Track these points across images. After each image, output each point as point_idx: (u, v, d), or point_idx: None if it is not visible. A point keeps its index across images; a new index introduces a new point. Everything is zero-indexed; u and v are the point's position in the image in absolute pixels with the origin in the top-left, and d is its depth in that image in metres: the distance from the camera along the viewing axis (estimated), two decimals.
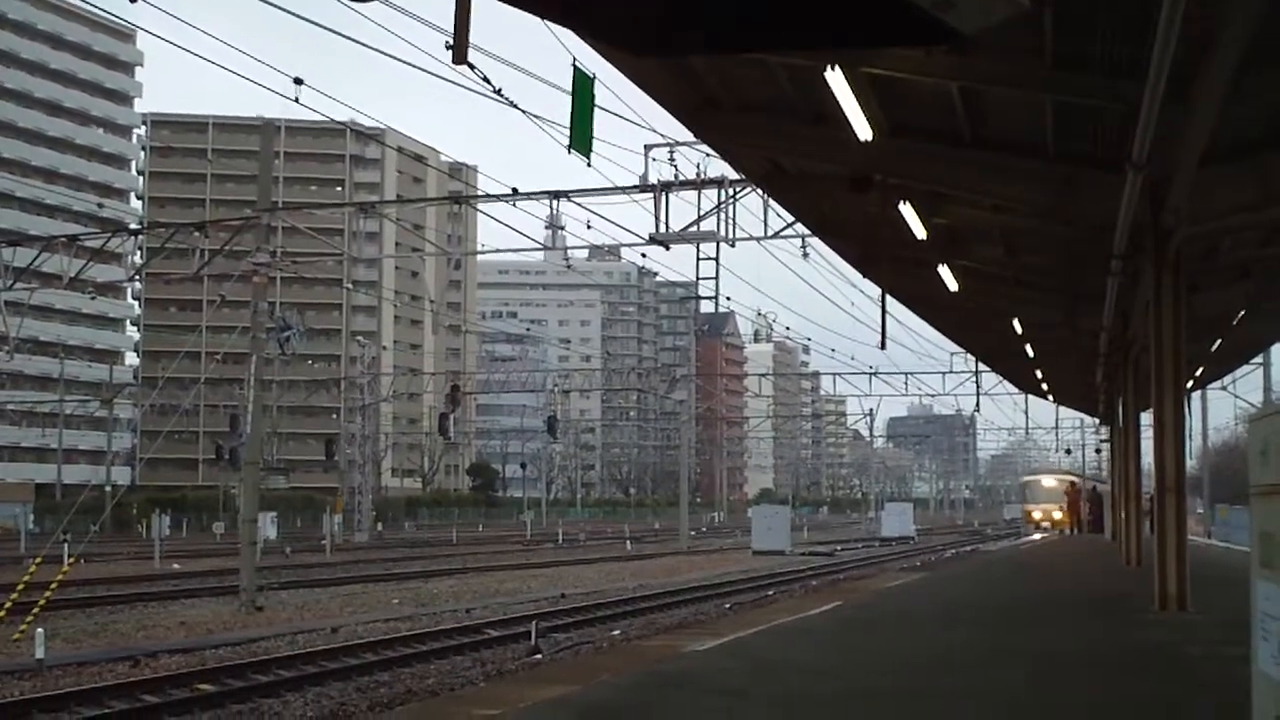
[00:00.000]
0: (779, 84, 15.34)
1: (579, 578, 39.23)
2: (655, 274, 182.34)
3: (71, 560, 30.28)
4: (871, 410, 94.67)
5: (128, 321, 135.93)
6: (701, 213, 28.02)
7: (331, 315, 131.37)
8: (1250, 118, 13.60)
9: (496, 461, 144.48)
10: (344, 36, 20.28)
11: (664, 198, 28.07)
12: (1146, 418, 25.10)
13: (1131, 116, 11.77)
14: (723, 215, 27.93)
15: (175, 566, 43.50)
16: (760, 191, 26.18)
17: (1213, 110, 11.62)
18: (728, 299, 70.82)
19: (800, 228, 27.54)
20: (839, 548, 61.58)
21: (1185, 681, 11.24)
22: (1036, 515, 77.06)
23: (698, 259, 30.29)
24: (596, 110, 20.70)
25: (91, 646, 21.78)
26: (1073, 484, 69.40)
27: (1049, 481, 79.57)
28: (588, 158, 21.19)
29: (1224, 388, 53.80)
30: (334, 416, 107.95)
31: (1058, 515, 70.76)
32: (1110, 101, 13.41)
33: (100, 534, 44.55)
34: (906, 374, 68.27)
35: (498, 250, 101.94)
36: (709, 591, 33.44)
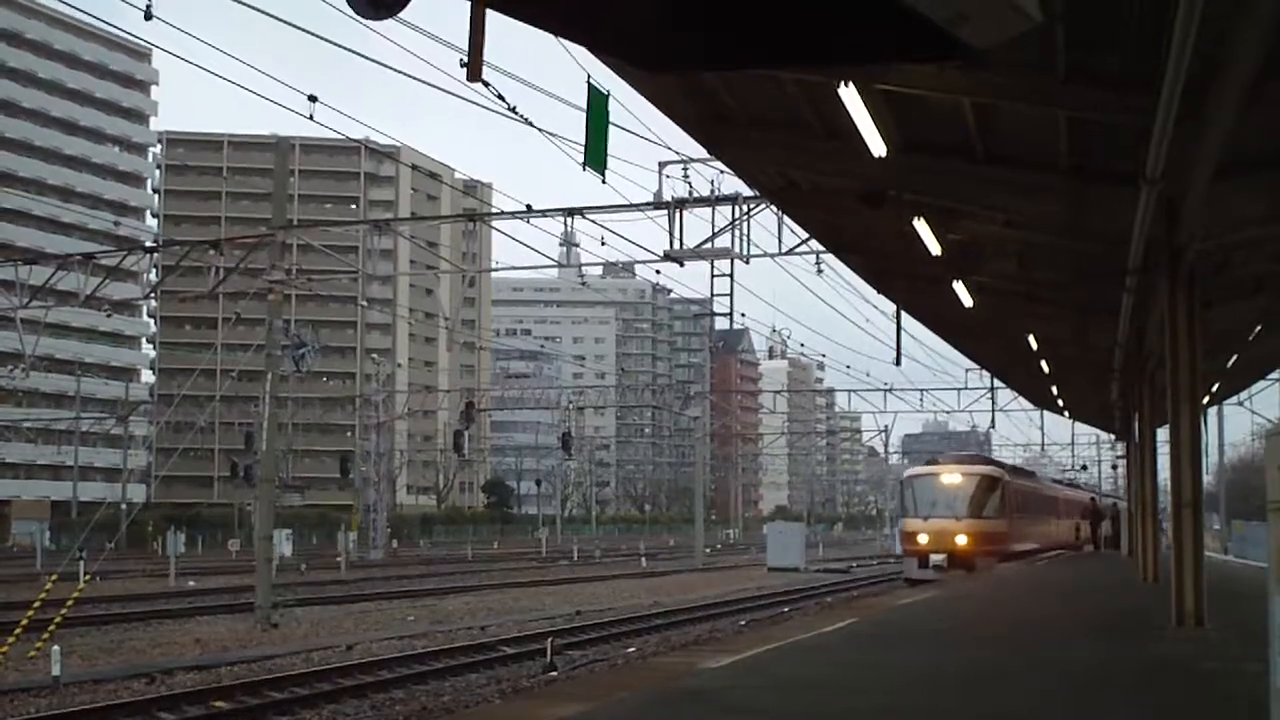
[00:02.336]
0: (792, 100, 15.34)
1: (594, 595, 39.20)
2: (670, 291, 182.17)
3: (87, 577, 30.33)
4: (886, 427, 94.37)
5: (143, 339, 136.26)
6: (716, 229, 28.02)
7: (346, 332, 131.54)
8: (1262, 132, 13.56)
9: (511, 478, 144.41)
10: (358, 54, 20.36)
11: (678, 214, 28.08)
12: (1163, 433, 25.05)
13: (1145, 131, 11.76)
14: (737, 232, 27.94)
15: (190, 584, 43.54)
16: (774, 208, 26.18)
17: (1227, 125, 11.60)
18: (742, 315, 70.85)
19: (814, 244, 27.54)
20: (854, 564, 61.42)
21: (1203, 698, 11.19)
22: (923, 540, 41.00)
23: (712, 275, 30.31)
24: (611, 127, 20.72)
25: (107, 664, 21.81)
26: (1092, 499, 67.61)
27: (951, 478, 42.52)
28: (603, 175, 21.23)
29: (1240, 403, 53.57)
30: (349, 434, 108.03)
31: (962, 540, 39.99)
32: (1123, 116, 13.39)
33: (115, 551, 44.61)
34: (921, 390, 68.12)
35: (512, 267, 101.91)
36: (724, 608, 33.39)
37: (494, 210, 34.38)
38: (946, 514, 41.03)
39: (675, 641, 25.52)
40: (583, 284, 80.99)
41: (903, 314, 32.71)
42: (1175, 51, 9.44)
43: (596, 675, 18.84)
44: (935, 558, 39.58)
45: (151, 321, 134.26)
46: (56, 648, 19.78)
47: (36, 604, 24.59)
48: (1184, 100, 10.40)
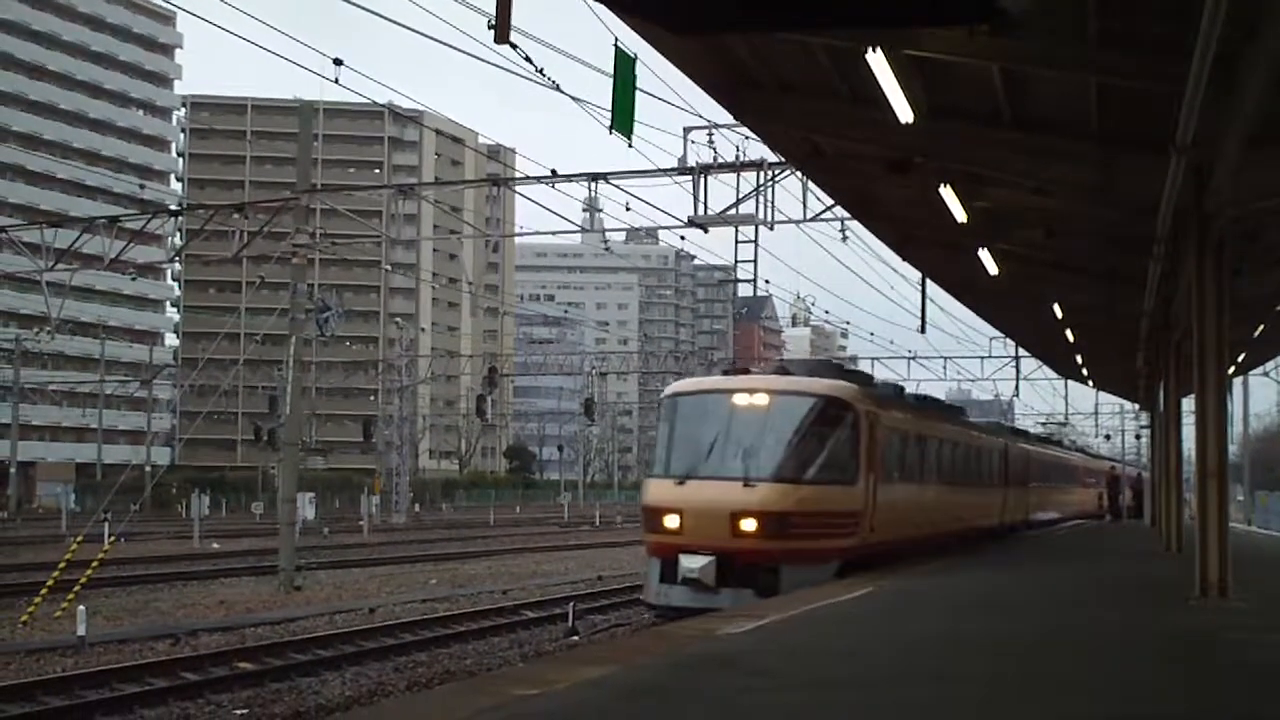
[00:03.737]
0: (819, 65, 15.26)
1: (616, 560, 39.26)
2: (693, 257, 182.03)
3: (112, 539, 30.53)
4: None
5: (167, 303, 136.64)
6: (740, 195, 28.00)
7: (369, 297, 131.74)
8: None
9: (534, 444, 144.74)
10: (382, 17, 20.28)
11: (703, 180, 28.03)
12: (1188, 403, 24.95)
13: (1175, 97, 11.66)
14: (761, 198, 27.89)
15: (214, 546, 43.77)
16: (799, 174, 26.09)
17: (1258, 92, 11.49)
18: (766, 282, 70.45)
19: (839, 210, 27.45)
20: None
21: (1227, 668, 11.16)
22: (671, 523, 19.78)
23: (736, 242, 30.22)
24: (637, 92, 20.64)
25: (132, 624, 21.98)
26: (1112, 468, 67.35)
27: (745, 400, 20.61)
28: (629, 138, 21.16)
29: (1266, 373, 53.30)
30: (372, 398, 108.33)
31: (749, 525, 19.24)
32: (1154, 82, 13.28)
33: (140, 513, 44.84)
34: (945, 358, 67.76)
35: (536, 232, 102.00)
36: None
37: (518, 175, 34.29)
38: (726, 472, 20.09)
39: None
40: (606, 249, 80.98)
41: (928, 281, 32.58)
42: (1206, 18, 9.35)
43: (618, 640, 18.90)
44: (691, 562, 19.29)
45: (175, 285, 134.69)
46: (82, 608, 19.92)
47: (62, 565, 24.77)
48: (1215, 67, 10.30)
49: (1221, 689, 10.17)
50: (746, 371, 24.05)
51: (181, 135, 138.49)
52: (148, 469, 76.16)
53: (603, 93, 20.70)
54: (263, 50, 30.07)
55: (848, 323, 72.49)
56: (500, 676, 14.04)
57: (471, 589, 28.85)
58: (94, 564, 24.94)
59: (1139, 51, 12.93)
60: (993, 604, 17.34)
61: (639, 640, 15.99)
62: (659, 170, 28.62)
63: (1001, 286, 27.15)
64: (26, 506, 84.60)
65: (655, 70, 64.98)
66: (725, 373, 25.22)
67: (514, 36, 14.09)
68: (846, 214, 27.36)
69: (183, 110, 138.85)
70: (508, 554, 42.42)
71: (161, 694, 15.47)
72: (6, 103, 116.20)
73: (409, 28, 21.98)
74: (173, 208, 64.95)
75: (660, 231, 56.17)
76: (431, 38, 21.79)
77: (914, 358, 67.46)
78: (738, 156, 28.00)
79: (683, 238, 38.99)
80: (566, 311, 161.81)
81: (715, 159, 27.93)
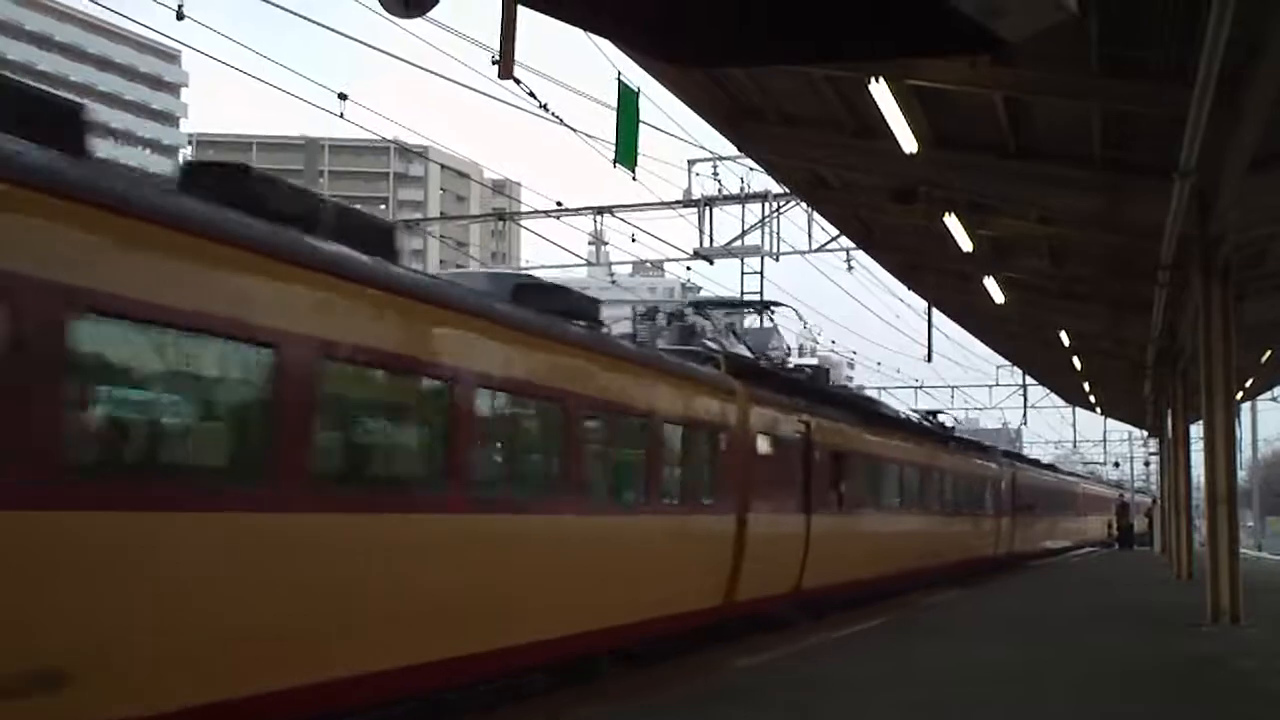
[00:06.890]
0: (822, 96, 15.32)
1: None
2: (700, 289, 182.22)
3: None
4: None
5: None
6: (746, 227, 28.01)
7: None
8: None
9: None
10: (388, 54, 20.34)
11: (708, 212, 28.07)
12: (1196, 429, 24.90)
13: (1179, 123, 11.67)
14: (767, 229, 27.90)
15: None
16: (804, 205, 26.13)
17: (1263, 116, 11.51)
18: (772, 313, 70.01)
19: (845, 241, 27.46)
20: None
21: (1241, 696, 11.11)
22: None
23: (742, 273, 30.29)
24: (641, 125, 20.69)
25: None
26: (1121, 495, 66.99)
27: None
28: (633, 171, 21.20)
29: (1274, 398, 53.11)
30: None
31: None
32: (1157, 108, 13.31)
33: None
34: (953, 387, 67.65)
35: (542, 266, 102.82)
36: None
37: (524, 209, 34.38)
38: None
39: (706, 637, 25.43)
40: (612, 282, 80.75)
41: (934, 310, 32.60)
42: (1209, 43, 9.37)
43: (632, 674, 18.80)
44: None
45: None
46: None
47: None
48: (1218, 92, 10.32)
49: (1233, 715, 10.13)
50: None
51: None
52: None
53: (607, 126, 20.75)
54: (268, 86, 30.18)
55: (854, 352, 72.18)
56: (524, 709, 14.01)
57: None
58: None
59: (1142, 77, 12.96)
60: (1004, 632, 17.27)
61: (653, 673, 15.96)
62: (664, 203, 28.68)
63: (1008, 314, 27.17)
64: None
65: (659, 104, 65.17)
66: None
67: (518, 72, 14.16)
68: (852, 244, 27.38)
69: (189, 148, 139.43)
70: None
71: None
72: None
73: (414, 64, 22.07)
74: None
75: (666, 264, 56.19)
76: (436, 73, 21.89)
77: (921, 387, 67.45)
78: (742, 188, 28.07)
79: (689, 269, 38.96)
80: None
81: (720, 191, 28.00)
